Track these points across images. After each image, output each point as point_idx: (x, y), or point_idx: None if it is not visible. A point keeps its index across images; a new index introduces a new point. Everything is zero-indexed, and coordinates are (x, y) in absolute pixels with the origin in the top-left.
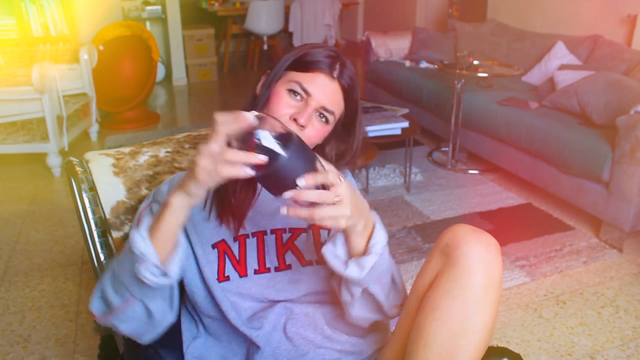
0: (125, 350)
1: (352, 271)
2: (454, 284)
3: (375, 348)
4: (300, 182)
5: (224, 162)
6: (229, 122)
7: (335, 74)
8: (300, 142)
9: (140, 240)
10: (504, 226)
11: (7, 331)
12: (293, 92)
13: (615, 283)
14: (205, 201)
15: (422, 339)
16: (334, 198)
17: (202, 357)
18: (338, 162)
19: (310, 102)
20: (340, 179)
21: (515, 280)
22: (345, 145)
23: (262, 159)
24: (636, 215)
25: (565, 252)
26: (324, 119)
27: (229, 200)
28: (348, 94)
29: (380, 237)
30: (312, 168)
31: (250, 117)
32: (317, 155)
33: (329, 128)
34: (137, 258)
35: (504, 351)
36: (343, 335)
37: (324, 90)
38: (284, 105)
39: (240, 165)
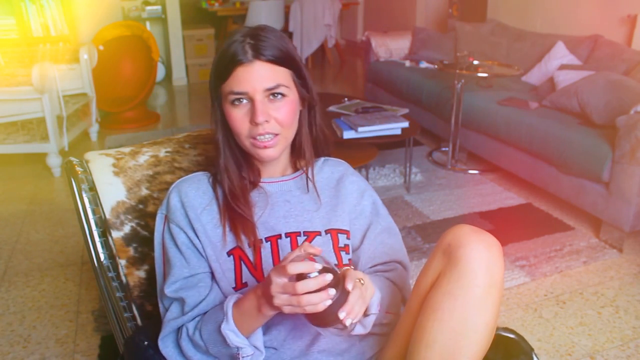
0: (125, 350)
1: (357, 331)
2: (455, 285)
3: (377, 349)
4: (342, 315)
5: (301, 298)
6: (299, 267)
7: (250, 55)
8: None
9: (236, 338)
10: (504, 226)
11: (7, 331)
12: (235, 102)
13: (615, 283)
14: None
15: (424, 339)
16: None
17: None
18: (317, 147)
19: (252, 96)
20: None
21: (515, 280)
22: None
23: (331, 293)
24: (636, 215)
25: (565, 252)
26: (279, 96)
27: (233, 209)
28: (278, 59)
29: (375, 297)
30: (344, 299)
31: (318, 266)
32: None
33: (293, 97)
34: (235, 350)
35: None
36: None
37: (251, 78)
38: (239, 121)
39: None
